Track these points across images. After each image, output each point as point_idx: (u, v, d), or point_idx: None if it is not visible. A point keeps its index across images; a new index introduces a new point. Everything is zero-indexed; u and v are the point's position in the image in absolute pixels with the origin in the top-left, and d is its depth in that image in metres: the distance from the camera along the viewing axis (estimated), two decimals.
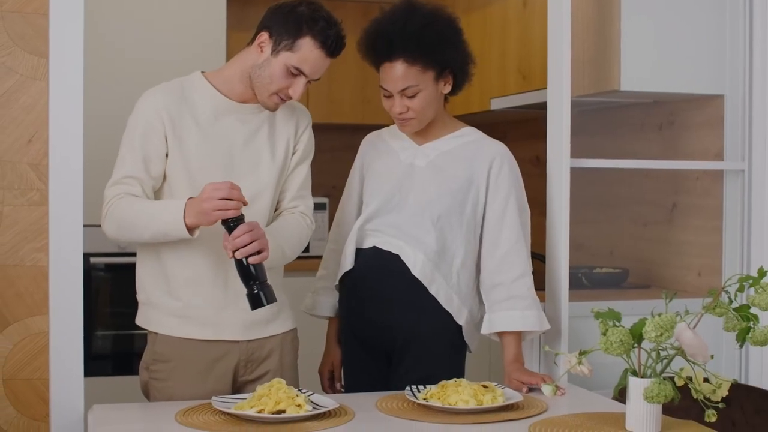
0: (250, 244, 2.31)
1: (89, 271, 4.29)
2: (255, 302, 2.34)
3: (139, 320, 2.59)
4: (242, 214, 2.33)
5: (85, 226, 2.57)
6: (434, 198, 2.68)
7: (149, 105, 2.49)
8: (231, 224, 2.32)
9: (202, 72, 2.57)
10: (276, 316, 2.58)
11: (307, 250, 4.96)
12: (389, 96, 2.66)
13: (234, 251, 2.31)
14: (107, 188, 2.48)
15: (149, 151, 2.47)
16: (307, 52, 2.43)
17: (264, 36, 2.47)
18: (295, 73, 2.45)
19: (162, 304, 2.52)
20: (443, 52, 2.64)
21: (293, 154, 2.62)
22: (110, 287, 4.50)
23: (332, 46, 2.45)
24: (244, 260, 2.31)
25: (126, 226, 2.45)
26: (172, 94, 2.50)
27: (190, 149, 2.48)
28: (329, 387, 2.86)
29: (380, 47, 2.64)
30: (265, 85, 2.47)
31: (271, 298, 2.34)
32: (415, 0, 2.70)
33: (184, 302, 2.50)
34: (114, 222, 2.45)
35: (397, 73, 2.61)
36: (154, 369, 2.53)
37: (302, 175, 2.64)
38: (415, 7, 2.67)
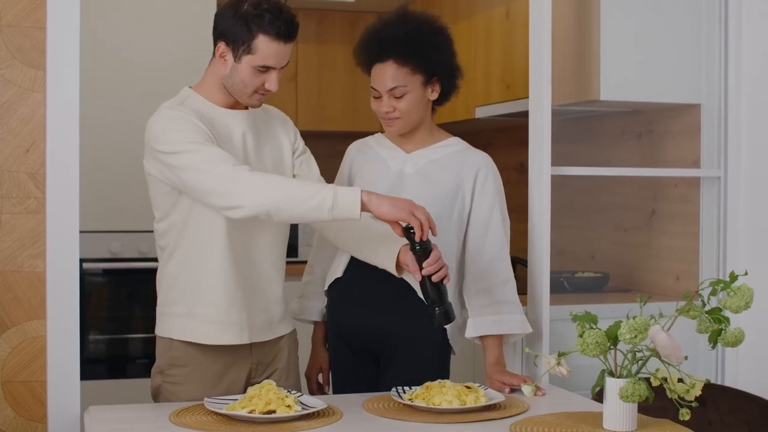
0: (442, 268, 2.41)
1: (83, 276, 4.24)
2: (443, 320, 2.44)
3: (159, 330, 2.55)
4: (429, 239, 2.40)
5: (79, 232, 2.60)
6: (424, 205, 2.73)
7: (181, 112, 2.42)
8: (424, 247, 2.39)
9: (190, 87, 2.56)
10: (283, 316, 2.63)
11: (295, 254, 4.97)
12: (378, 97, 2.72)
13: (430, 275, 2.39)
14: (205, 174, 2.31)
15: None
16: (266, 48, 2.40)
17: (221, 46, 2.44)
18: (263, 70, 2.44)
19: (196, 314, 2.48)
20: (433, 57, 2.70)
21: (294, 152, 2.64)
22: (104, 292, 4.48)
23: (287, 33, 2.41)
24: (438, 282, 2.42)
25: (282, 193, 2.30)
26: (183, 106, 2.46)
27: None
28: (317, 390, 2.88)
29: (373, 49, 2.72)
30: (241, 89, 2.46)
31: (454, 314, 2.47)
32: (409, 9, 2.79)
33: (216, 309, 2.47)
34: (263, 189, 2.30)
35: (388, 72, 2.68)
36: (169, 373, 2.51)
37: (313, 160, 2.68)
38: (409, 13, 2.76)
